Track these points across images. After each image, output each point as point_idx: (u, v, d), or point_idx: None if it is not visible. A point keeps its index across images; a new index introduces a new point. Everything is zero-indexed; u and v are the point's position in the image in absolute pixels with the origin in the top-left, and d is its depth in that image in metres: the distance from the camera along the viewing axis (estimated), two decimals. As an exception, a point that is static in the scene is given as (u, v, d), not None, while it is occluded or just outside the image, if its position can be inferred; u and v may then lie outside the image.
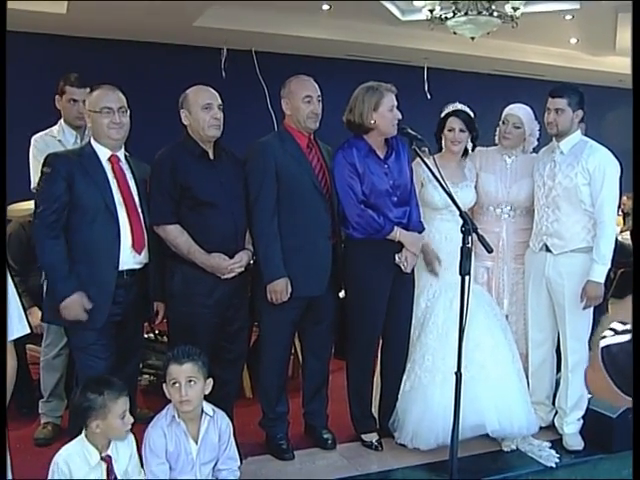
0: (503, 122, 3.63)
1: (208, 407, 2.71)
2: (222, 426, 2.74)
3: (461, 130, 3.48)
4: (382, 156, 3.31)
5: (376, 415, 3.54)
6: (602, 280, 3.23)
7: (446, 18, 5.85)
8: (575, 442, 3.40)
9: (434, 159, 3.24)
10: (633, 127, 1.47)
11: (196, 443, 2.67)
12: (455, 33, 6.10)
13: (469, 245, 2.67)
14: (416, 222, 3.34)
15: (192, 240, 3.01)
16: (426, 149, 3.32)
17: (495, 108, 3.81)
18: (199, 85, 3.11)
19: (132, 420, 2.52)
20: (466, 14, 5.75)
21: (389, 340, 3.44)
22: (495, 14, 5.74)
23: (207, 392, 2.67)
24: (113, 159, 2.96)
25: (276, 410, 3.37)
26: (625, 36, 7.42)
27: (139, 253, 2.94)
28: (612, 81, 8.66)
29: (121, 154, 3.01)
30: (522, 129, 3.58)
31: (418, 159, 3.30)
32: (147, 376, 4.35)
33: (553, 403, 3.58)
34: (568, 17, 6.91)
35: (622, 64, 8.37)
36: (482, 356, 3.23)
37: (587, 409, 3.45)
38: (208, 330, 3.09)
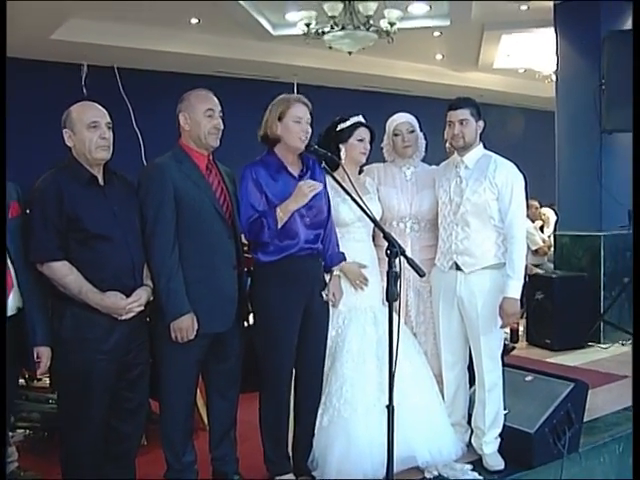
0: (395, 134, 3.58)
1: None
2: None
3: (369, 141, 3.39)
4: (296, 174, 3.10)
5: (290, 454, 3.29)
6: (518, 296, 3.19)
7: (323, 32, 5.78)
8: (496, 462, 3.32)
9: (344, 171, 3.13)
10: (633, 129, 1.47)
11: None
12: (331, 48, 6.05)
13: (396, 270, 2.50)
14: (333, 251, 3.17)
15: (83, 278, 2.64)
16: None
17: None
18: (84, 101, 2.76)
19: None
20: (343, 28, 5.71)
21: (303, 372, 3.20)
22: (372, 29, 5.75)
23: None
24: None
25: (182, 461, 3.02)
26: (488, 52, 7.72)
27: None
28: (473, 96, 8.90)
29: None
30: (415, 132, 3.60)
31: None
32: (22, 430, 3.84)
33: (468, 422, 3.51)
34: (437, 34, 7.07)
35: (483, 80, 8.74)
36: (404, 384, 3.06)
37: (503, 426, 3.40)
38: (105, 379, 2.70)
